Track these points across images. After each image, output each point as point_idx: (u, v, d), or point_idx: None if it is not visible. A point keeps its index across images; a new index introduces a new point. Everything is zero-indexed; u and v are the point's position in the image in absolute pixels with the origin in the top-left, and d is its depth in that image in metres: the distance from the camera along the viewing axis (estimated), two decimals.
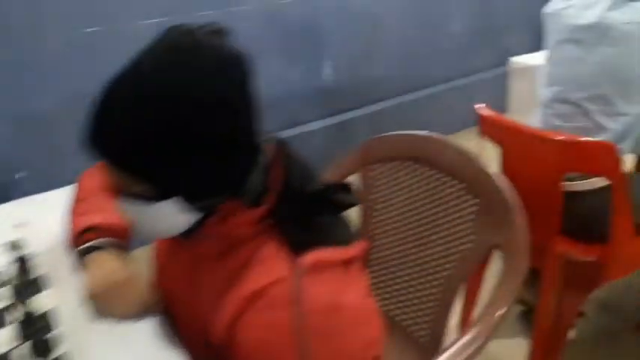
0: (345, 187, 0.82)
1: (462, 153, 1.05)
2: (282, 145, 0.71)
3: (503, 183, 0.98)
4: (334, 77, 2.88)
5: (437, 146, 1.11)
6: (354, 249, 0.72)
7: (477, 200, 1.02)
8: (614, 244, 1.35)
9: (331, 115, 2.90)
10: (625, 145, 1.41)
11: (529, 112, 1.66)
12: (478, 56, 3.43)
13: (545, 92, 1.51)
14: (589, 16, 1.38)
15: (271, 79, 2.68)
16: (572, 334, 1.62)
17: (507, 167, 1.47)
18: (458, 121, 3.19)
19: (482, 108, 1.45)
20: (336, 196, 0.75)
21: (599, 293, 1.72)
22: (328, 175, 1.25)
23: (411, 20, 3.11)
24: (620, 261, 1.39)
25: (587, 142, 1.26)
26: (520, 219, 0.93)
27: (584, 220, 1.42)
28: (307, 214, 0.67)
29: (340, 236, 0.71)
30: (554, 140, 1.28)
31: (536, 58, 1.75)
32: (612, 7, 1.35)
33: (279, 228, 0.65)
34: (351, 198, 0.79)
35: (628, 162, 1.53)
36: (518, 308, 1.83)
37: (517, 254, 0.90)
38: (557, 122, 1.46)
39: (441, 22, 3.26)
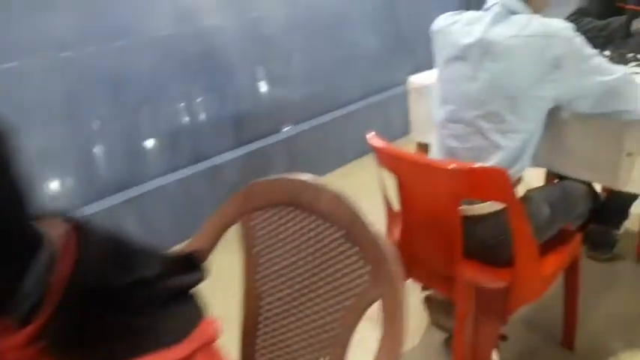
0: (188, 262, 0.69)
1: (339, 198, 0.95)
2: (76, 229, 0.57)
3: (378, 231, 0.88)
4: (243, 104, 2.76)
5: (314, 191, 1.00)
6: (190, 343, 0.59)
7: (357, 249, 0.92)
8: (518, 268, 1.29)
9: (243, 144, 2.78)
10: (523, 162, 1.36)
11: (430, 132, 1.60)
12: (393, 70, 3.42)
13: (438, 112, 1.44)
14: (474, 33, 1.33)
15: (173, 113, 2.53)
16: (495, 357, 1.56)
17: (404, 195, 1.40)
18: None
19: (372, 137, 1.37)
20: (167, 282, 0.62)
21: (521, 312, 1.68)
22: (206, 228, 1.12)
23: (322, 40, 3.06)
24: (528, 285, 1.33)
25: (477, 170, 1.20)
26: (396, 271, 0.83)
27: (489, 244, 1.36)
28: (108, 318, 0.54)
29: (171, 333, 0.58)
30: (446, 170, 1.22)
31: (432, 77, 1.69)
32: (494, 21, 1.31)
33: (57, 349, 0.51)
34: (190, 278, 0.66)
35: (533, 177, 1.50)
36: (442, 335, 1.76)
37: (394, 314, 0.81)
38: (454, 143, 1.40)
39: (352, 40, 3.22)
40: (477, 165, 1.21)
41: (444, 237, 1.34)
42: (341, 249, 0.96)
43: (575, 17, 1.98)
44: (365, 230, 0.90)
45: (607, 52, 1.81)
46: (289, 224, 1.06)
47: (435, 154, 1.47)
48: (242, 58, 2.73)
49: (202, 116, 2.65)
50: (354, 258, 0.93)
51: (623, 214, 2.09)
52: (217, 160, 2.67)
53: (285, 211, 1.06)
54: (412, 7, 3.46)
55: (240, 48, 2.71)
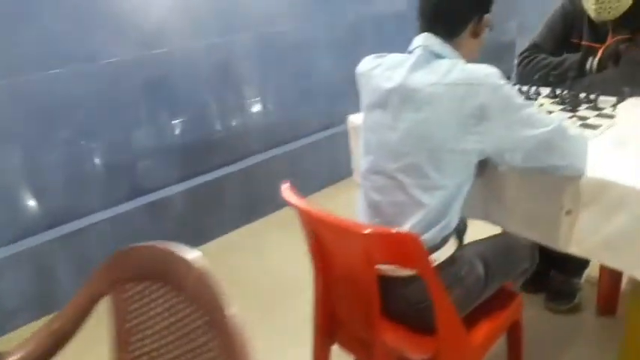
0: None
1: (203, 278, 0.82)
2: None
3: (238, 323, 0.75)
4: (193, 134, 2.63)
5: (183, 266, 0.86)
6: None
7: (218, 342, 0.78)
8: (442, 339, 1.15)
9: (192, 176, 2.63)
10: (451, 216, 1.22)
11: None
12: (356, 102, 3.30)
13: (362, 162, 1.31)
14: (394, 78, 1.21)
15: (116, 142, 2.38)
16: None
17: (323, 253, 1.26)
18: (338, 171, 3.01)
19: (286, 190, 1.24)
20: None
21: None
22: (74, 300, 0.98)
23: (282, 69, 2.94)
24: (453, 357, 1.19)
25: (390, 235, 1.07)
26: None
27: (416, 307, 1.22)
28: None
29: None
30: (359, 234, 1.08)
31: None
32: (415, 67, 1.18)
33: None
34: None
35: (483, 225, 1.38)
36: None
37: None
38: (377, 197, 1.27)
39: (315, 70, 3.11)
40: (393, 230, 1.08)
41: (362, 299, 1.21)
42: (203, 339, 0.82)
43: (529, 53, 1.87)
44: (225, 321, 0.76)
45: (558, 92, 1.69)
46: (160, 300, 0.92)
47: (360, 207, 1.33)
48: (195, 86, 2.61)
49: (148, 146, 2.50)
50: (216, 352, 0.79)
51: (584, 261, 1.95)
52: (163, 193, 2.53)
53: (154, 286, 0.92)
54: (377, 39, 3.36)
55: (192, 75, 2.59)
